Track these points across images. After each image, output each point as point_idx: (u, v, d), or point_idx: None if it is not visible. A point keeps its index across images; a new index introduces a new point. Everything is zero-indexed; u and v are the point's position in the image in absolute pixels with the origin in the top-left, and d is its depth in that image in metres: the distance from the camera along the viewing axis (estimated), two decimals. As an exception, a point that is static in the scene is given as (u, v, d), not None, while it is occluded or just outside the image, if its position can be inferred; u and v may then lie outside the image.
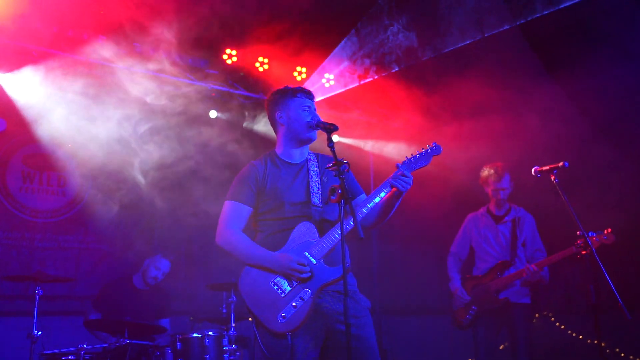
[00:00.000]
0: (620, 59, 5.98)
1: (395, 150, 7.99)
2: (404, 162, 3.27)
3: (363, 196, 3.39)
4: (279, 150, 3.41)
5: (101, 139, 6.37)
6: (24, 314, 5.56)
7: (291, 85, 3.46)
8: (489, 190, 5.54)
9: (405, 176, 3.14)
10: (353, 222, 2.88)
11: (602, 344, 3.89)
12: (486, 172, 5.52)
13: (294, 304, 3.02)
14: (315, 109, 3.38)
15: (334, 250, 3.09)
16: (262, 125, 7.34)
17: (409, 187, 3.15)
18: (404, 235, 8.36)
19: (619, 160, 6.96)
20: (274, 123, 3.44)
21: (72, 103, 6.07)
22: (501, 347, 5.53)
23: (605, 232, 4.75)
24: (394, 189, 3.16)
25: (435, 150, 3.33)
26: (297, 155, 3.38)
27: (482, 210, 5.68)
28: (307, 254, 3.10)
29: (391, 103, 7.49)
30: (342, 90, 7.32)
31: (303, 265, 3.04)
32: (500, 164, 5.50)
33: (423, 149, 3.33)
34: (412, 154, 3.31)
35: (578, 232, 3.99)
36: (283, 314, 3.00)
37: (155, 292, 5.84)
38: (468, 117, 7.07)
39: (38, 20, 5.65)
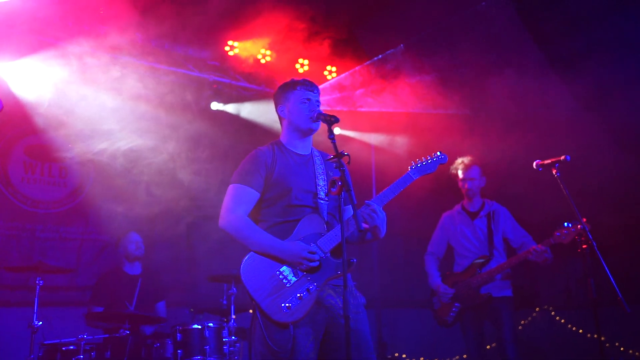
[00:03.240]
0: (625, 56, 5.97)
1: (397, 144, 7.98)
2: (411, 168, 3.34)
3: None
4: (284, 140, 3.41)
5: (102, 130, 6.36)
6: (25, 304, 5.58)
7: (295, 78, 3.47)
8: (459, 182, 5.58)
9: (375, 212, 3.13)
10: (352, 218, 2.88)
11: (602, 338, 3.89)
12: (454, 165, 5.58)
13: (299, 295, 3.01)
14: (317, 101, 3.37)
15: (341, 245, 3.08)
16: (264, 117, 7.32)
17: (375, 223, 3.14)
18: (404, 228, 8.36)
19: (620, 156, 6.95)
20: (278, 116, 3.46)
21: (72, 93, 6.06)
22: (488, 347, 5.55)
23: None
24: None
25: (442, 159, 3.43)
26: (302, 146, 3.38)
27: (457, 207, 5.71)
28: (315, 245, 3.10)
29: (394, 96, 7.47)
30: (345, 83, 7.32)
31: (314, 253, 3.04)
32: (469, 157, 5.56)
33: (430, 156, 3.40)
34: (419, 160, 3.38)
35: (578, 226, 3.98)
36: (287, 305, 2.99)
37: (149, 277, 5.85)
38: (472, 112, 7.07)
39: (39, 10, 5.63)
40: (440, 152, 3.43)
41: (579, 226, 4.11)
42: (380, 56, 6.99)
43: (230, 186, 3.24)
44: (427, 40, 6.67)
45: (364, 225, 3.07)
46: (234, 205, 3.18)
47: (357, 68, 7.17)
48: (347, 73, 7.24)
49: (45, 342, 4.72)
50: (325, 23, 6.61)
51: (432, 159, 3.40)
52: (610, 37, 5.88)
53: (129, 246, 5.85)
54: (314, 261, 3.03)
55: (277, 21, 6.39)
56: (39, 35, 5.82)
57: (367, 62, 7.10)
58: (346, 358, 2.67)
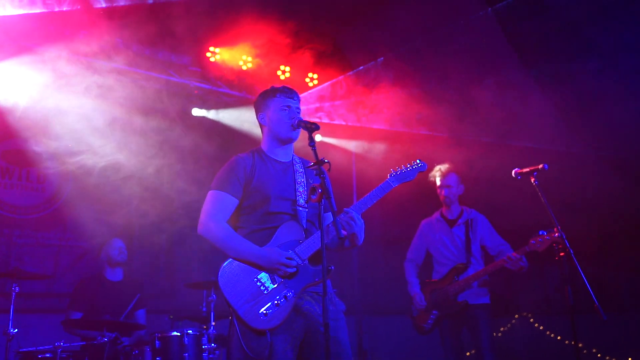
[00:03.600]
0: (604, 67, 6.06)
1: (378, 151, 8.01)
2: (390, 175, 3.36)
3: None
4: (264, 147, 3.42)
5: (81, 136, 6.30)
6: (0, 311, 5.48)
7: (276, 85, 3.48)
8: (437, 190, 5.62)
9: (353, 220, 3.13)
10: (332, 225, 2.88)
11: (579, 345, 3.93)
12: (432, 172, 5.61)
13: (276, 302, 3.01)
14: (297, 108, 3.38)
15: (319, 252, 3.06)
16: (245, 124, 7.31)
17: (353, 230, 3.13)
18: (385, 236, 8.39)
19: (596, 163, 7.04)
20: (259, 123, 3.46)
21: (51, 98, 6.00)
22: (468, 354, 5.58)
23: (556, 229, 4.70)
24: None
25: (421, 168, 3.47)
26: (282, 154, 3.39)
27: (436, 215, 5.75)
28: (292, 252, 3.10)
29: (374, 104, 7.52)
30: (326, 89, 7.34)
31: (291, 259, 3.04)
32: (447, 164, 5.60)
33: (409, 164, 3.43)
34: (399, 168, 3.40)
35: (556, 234, 4.03)
36: (265, 311, 2.98)
37: (129, 283, 5.80)
38: (454, 121, 7.12)
39: (20, 14, 5.57)
40: (419, 160, 3.47)
41: (555, 234, 4.15)
42: (361, 67, 7.02)
43: (209, 192, 3.25)
44: (411, 53, 6.72)
45: (344, 233, 3.07)
46: (212, 212, 3.18)
47: (340, 78, 7.19)
48: (327, 84, 7.26)
49: (20, 350, 4.65)
50: (309, 32, 6.64)
51: (411, 167, 3.43)
52: (592, 50, 5.98)
53: (111, 252, 5.77)
54: (291, 267, 3.03)
55: (259, 28, 6.40)
56: (18, 39, 5.75)
57: (350, 73, 7.13)
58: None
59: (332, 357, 2.94)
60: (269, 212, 3.19)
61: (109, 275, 5.77)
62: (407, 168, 3.41)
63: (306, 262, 3.11)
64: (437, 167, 5.62)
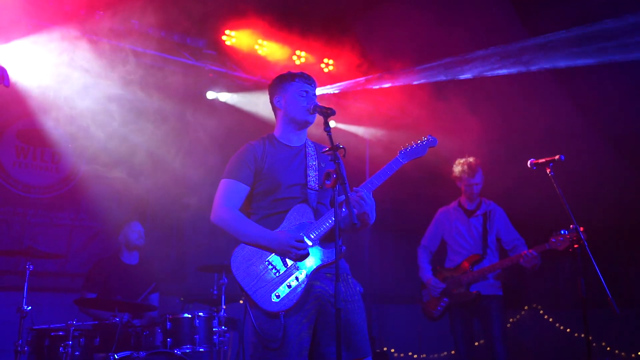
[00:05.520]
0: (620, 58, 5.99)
1: (392, 137, 7.98)
2: (400, 152, 3.34)
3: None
4: (277, 133, 3.41)
5: (96, 117, 6.32)
6: (14, 289, 5.54)
7: (292, 70, 3.46)
8: (462, 185, 5.56)
9: (363, 199, 3.08)
10: (346, 209, 2.87)
11: (590, 338, 3.91)
12: (459, 167, 5.53)
13: (288, 284, 3.02)
14: (314, 94, 3.37)
15: (331, 234, 3.08)
16: (259, 108, 7.30)
17: (364, 209, 3.08)
18: (395, 224, 8.38)
19: (612, 157, 6.99)
20: (273, 107, 3.45)
21: (66, 78, 6.00)
22: (476, 344, 5.58)
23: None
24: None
25: (431, 142, 3.44)
26: (295, 139, 3.38)
27: (453, 204, 5.71)
28: (303, 234, 3.10)
29: (388, 91, 7.48)
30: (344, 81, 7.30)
31: (301, 242, 3.05)
32: (472, 159, 5.52)
33: (419, 140, 3.40)
34: (409, 144, 3.37)
35: (571, 226, 4.01)
36: (277, 294, 3.00)
37: (144, 268, 5.84)
38: (465, 107, 7.08)
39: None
40: (430, 135, 3.44)
41: (575, 233, 4.09)
42: (380, 74, 6.98)
43: (221, 181, 3.28)
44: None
45: (355, 211, 3.05)
46: (224, 200, 3.21)
47: (357, 80, 7.14)
48: (343, 84, 7.22)
49: (34, 327, 4.71)
50: (324, 15, 6.60)
51: (421, 142, 3.40)
52: (610, 42, 5.90)
53: (131, 235, 5.79)
54: (302, 249, 3.04)
55: (276, 12, 6.37)
56: (34, 18, 5.76)
57: (367, 77, 7.09)
58: (336, 349, 2.66)
59: (345, 338, 2.96)
60: (279, 198, 3.20)
61: (125, 258, 5.81)
62: (417, 144, 3.39)
63: (317, 243, 3.11)
64: (463, 162, 5.52)
